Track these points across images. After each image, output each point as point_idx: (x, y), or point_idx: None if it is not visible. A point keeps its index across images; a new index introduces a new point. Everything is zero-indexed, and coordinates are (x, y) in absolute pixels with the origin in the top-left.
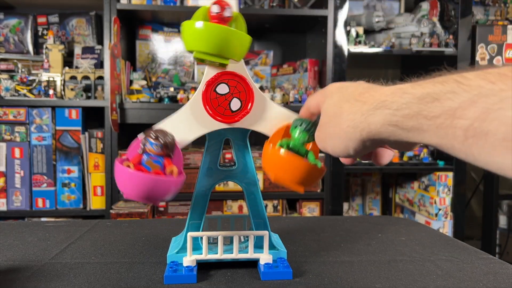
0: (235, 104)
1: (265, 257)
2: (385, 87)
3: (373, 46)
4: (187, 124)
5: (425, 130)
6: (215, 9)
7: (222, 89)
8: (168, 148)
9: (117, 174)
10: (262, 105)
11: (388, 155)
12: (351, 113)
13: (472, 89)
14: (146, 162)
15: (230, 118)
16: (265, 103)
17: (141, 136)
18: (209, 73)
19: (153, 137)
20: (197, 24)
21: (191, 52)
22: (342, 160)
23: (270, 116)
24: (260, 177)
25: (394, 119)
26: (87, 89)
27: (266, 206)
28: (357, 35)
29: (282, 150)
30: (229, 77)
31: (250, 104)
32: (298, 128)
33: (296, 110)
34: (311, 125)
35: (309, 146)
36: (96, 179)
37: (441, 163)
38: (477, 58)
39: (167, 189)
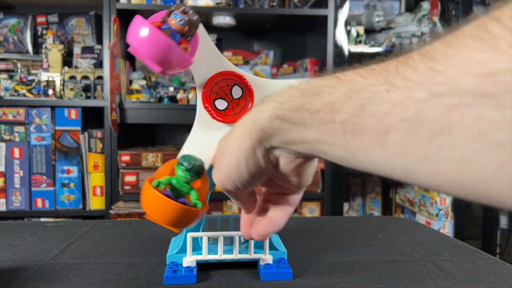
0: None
1: (265, 258)
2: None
3: (373, 45)
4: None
5: (308, 124)
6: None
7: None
8: (190, 28)
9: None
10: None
11: (265, 222)
12: (239, 126)
13: (348, 83)
14: (164, 31)
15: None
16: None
17: (172, 7)
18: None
19: (181, 11)
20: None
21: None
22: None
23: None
24: None
25: (280, 112)
26: (86, 89)
27: None
28: (358, 34)
29: (152, 190)
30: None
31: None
32: (181, 167)
33: None
34: (196, 163)
35: (198, 184)
36: (96, 179)
37: None
38: None
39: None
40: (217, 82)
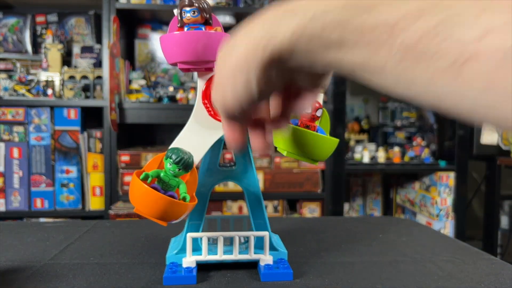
0: None
1: (265, 258)
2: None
3: None
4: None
5: (349, 46)
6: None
7: None
8: (206, 12)
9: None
10: None
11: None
12: (247, 38)
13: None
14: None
15: None
16: None
17: (175, 10)
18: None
19: (187, 4)
20: (290, 128)
21: (281, 150)
22: (256, 145)
23: None
24: (260, 177)
25: (308, 30)
26: (86, 88)
27: (266, 206)
28: None
29: (140, 183)
30: None
31: None
32: (169, 160)
33: None
34: (184, 156)
35: (187, 177)
36: (95, 179)
37: (442, 164)
38: None
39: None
40: None
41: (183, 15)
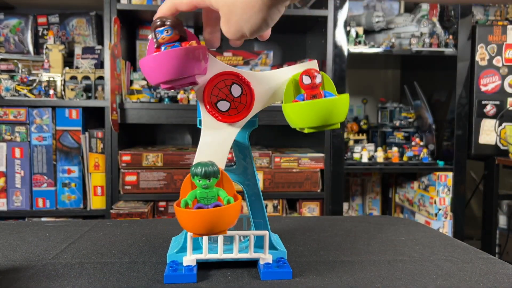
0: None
1: (265, 257)
2: None
3: (373, 46)
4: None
5: None
6: (307, 80)
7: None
8: (178, 29)
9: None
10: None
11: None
12: None
13: None
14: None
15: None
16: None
17: (150, 33)
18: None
19: (159, 24)
20: (299, 105)
21: (301, 129)
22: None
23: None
24: (260, 176)
25: None
26: (87, 89)
27: (266, 206)
28: (357, 35)
29: (184, 211)
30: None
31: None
32: (196, 177)
33: None
34: (207, 167)
35: (220, 183)
36: (96, 179)
37: (441, 163)
38: (477, 58)
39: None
40: (215, 85)
41: (157, 36)
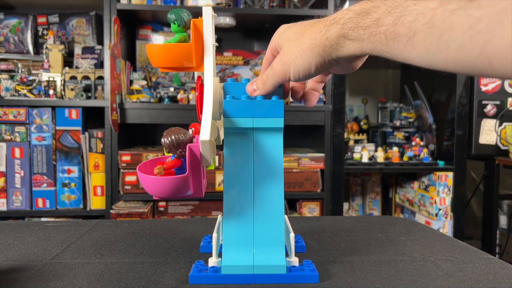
0: None
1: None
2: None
3: None
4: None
5: (363, 39)
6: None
7: None
8: (171, 147)
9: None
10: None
11: (315, 97)
12: (312, 33)
13: (389, 2)
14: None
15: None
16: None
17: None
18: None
19: (172, 148)
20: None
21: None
22: (294, 87)
23: None
24: None
25: (343, 31)
26: (87, 89)
27: None
28: None
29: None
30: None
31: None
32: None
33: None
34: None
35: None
36: (96, 179)
37: (441, 163)
38: None
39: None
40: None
41: (168, 160)
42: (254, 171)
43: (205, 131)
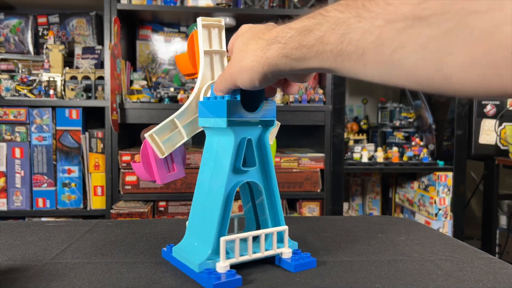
0: None
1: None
2: (280, 25)
3: None
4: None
5: (308, 57)
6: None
7: None
8: (142, 141)
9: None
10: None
11: (294, 88)
12: (254, 50)
13: (330, 19)
14: None
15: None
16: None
17: None
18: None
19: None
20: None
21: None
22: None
23: None
24: None
25: (284, 51)
26: (87, 89)
27: None
28: None
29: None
30: None
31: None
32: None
33: (296, 110)
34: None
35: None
36: (97, 179)
37: (441, 163)
38: None
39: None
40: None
41: None
42: (213, 169)
43: (153, 129)
